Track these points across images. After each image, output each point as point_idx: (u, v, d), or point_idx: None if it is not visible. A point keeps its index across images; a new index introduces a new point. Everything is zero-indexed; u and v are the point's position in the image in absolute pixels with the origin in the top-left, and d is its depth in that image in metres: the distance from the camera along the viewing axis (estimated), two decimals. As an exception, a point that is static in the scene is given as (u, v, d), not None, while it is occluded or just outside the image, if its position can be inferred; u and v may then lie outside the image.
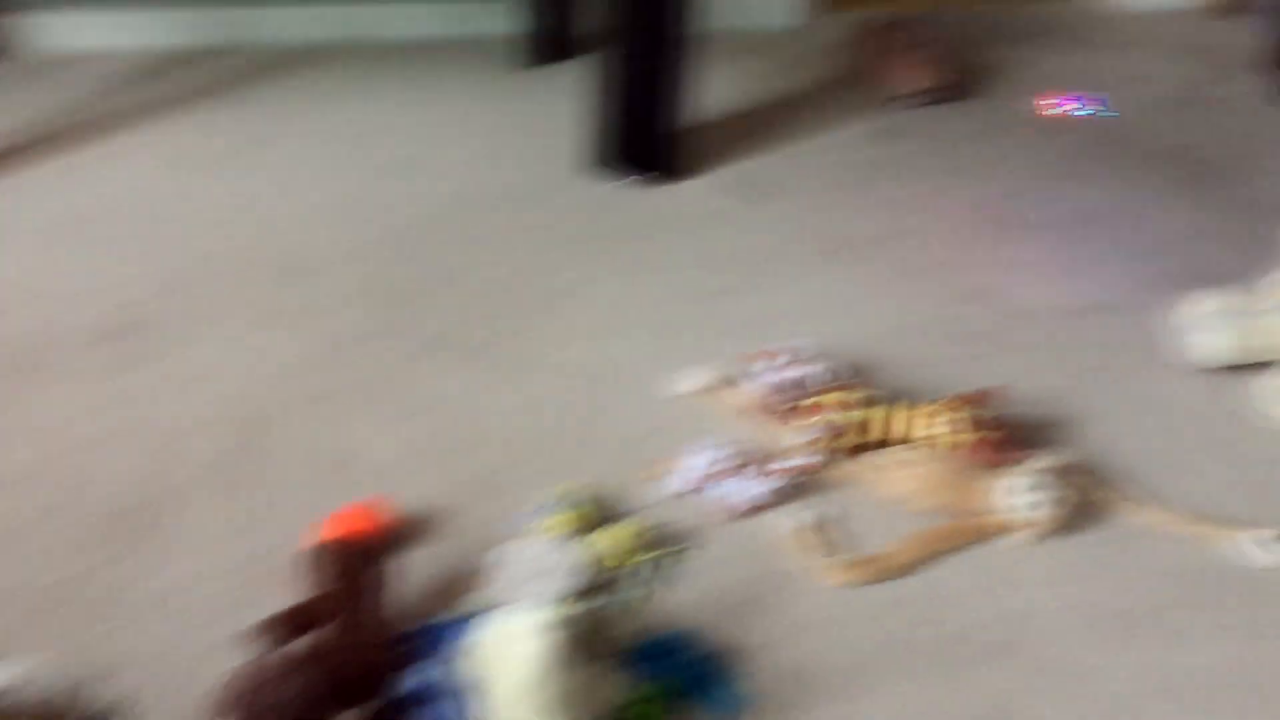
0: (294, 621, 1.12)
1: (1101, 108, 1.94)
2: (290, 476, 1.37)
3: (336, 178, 2.05)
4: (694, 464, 1.39)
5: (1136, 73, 2.72)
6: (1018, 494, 1.33)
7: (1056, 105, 1.96)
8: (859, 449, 1.43)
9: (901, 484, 1.38)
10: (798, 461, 1.39)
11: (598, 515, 1.34)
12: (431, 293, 1.73)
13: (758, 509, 1.36)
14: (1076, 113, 1.94)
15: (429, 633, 1.16)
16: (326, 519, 1.28)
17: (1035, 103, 1.97)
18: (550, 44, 2.55)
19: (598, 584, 1.25)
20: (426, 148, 2.17)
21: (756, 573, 1.28)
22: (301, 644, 1.10)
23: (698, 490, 1.39)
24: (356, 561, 1.17)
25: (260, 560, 1.26)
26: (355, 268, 1.79)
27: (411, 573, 1.25)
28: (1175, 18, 3.11)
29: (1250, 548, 1.34)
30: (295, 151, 2.13)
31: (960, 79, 2.56)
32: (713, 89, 2.49)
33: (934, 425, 1.41)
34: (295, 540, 1.27)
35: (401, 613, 1.17)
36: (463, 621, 1.15)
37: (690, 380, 1.57)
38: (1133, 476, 1.46)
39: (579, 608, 1.20)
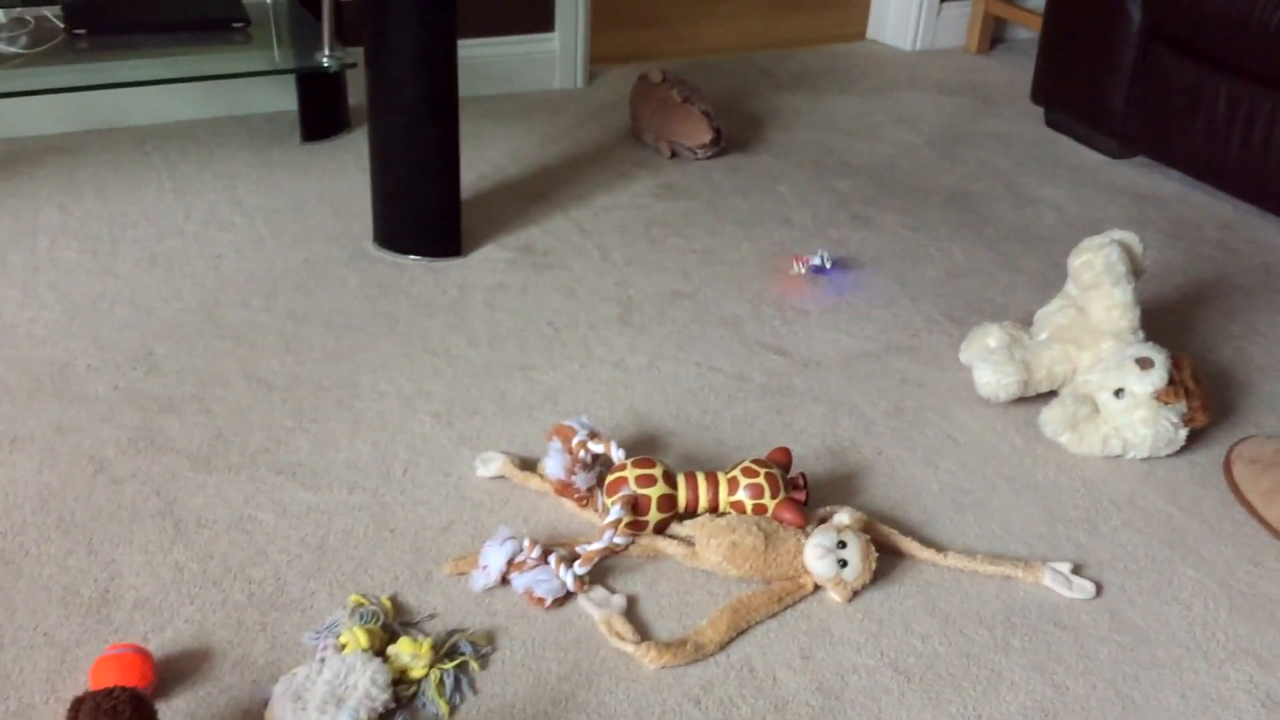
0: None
1: (824, 260, 2.03)
2: (44, 621, 1.24)
3: (91, 278, 1.90)
4: (495, 557, 1.32)
5: (907, 112, 2.82)
6: (824, 553, 1.32)
7: (801, 269, 2.03)
8: (665, 523, 1.39)
9: (710, 554, 1.34)
10: (602, 544, 1.34)
11: (396, 624, 1.26)
12: (200, 398, 1.62)
13: (565, 598, 1.31)
14: (816, 270, 2.02)
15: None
16: (89, 667, 1.15)
17: (787, 269, 2.04)
18: (324, 117, 2.47)
19: (400, 701, 1.17)
20: (192, 236, 2.05)
21: (568, 668, 1.22)
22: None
23: (501, 585, 1.32)
24: (123, 713, 1.05)
25: (13, 723, 1.13)
26: (115, 376, 1.65)
27: (190, 716, 1.14)
28: (940, 56, 3.24)
29: (1053, 582, 1.36)
30: (44, 252, 1.97)
31: (735, 130, 2.60)
32: (494, 156, 2.46)
33: (735, 491, 1.39)
34: (54, 695, 1.14)
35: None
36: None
37: (487, 466, 1.50)
38: (935, 520, 1.47)
39: (378, 733, 1.11)
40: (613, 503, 1.36)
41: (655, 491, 1.37)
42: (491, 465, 1.50)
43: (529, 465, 1.50)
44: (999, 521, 1.47)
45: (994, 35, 3.34)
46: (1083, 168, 2.55)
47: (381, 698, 1.15)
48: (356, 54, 2.16)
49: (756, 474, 1.39)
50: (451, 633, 1.25)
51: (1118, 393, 1.58)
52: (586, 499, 1.43)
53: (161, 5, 2.37)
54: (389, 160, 1.96)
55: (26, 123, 2.39)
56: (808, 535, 1.35)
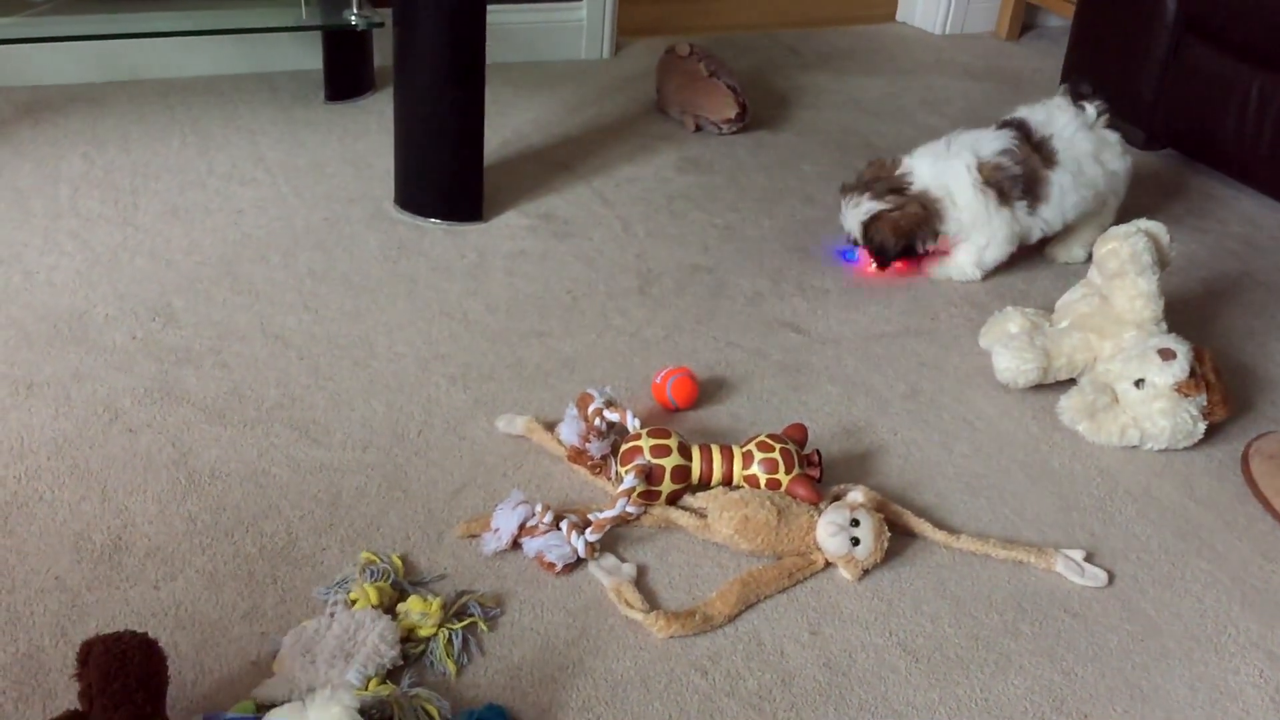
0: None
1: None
2: (56, 565, 1.24)
3: (112, 228, 1.90)
4: (507, 521, 1.32)
5: (934, 96, 2.79)
6: (836, 531, 1.31)
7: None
8: (678, 494, 1.39)
9: (722, 527, 1.34)
10: (615, 512, 1.34)
11: (405, 582, 1.26)
12: (218, 351, 1.62)
13: (575, 565, 1.31)
14: (842, 253, 2.03)
15: (217, 732, 1.05)
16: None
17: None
18: (349, 77, 2.46)
19: (407, 659, 1.17)
20: (213, 190, 2.05)
21: (576, 633, 1.22)
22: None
23: (512, 549, 1.32)
24: (133, 659, 1.06)
25: (21, 665, 1.13)
26: (133, 327, 1.65)
27: (198, 664, 1.14)
28: (970, 41, 3.22)
29: (1065, 569, 1.36)
30: (66, 200, 1.97)
31: (760, 106, 2.58)
32: (519, 123, 2.44)
33: (750, 466, 1.38)
34: (63, 639, 1.15)
35: (187, 710, 1.06)
36: (256, 716, 1.05)
37: (511, 423, 1.50)
38: (948, 503, 1.46)
39: (385, 690, 1.11)
40: (627, 471, 1.36)
41: (669, 462, 1.37)
42: (515, 423, 1.50)
43: (545, 433, 1.50)
44: (1012, 507, 1.46)
45: (1025, 21, 3.30)
46: (1109, 158, 2.52)
47: (390, 654, 1.15)
48: (385, 14, 2.15)
49: (771, 449, 1.39)
50: (461, 594, 1.25)
51: (1138, 383, 1.57)
52: (600, 467, 1.42)
53: (190, -42, 2.36)
54: (413, 122, 1.95)
55: (52, 71, 2.39)
56: (820, 512, 1.34)
